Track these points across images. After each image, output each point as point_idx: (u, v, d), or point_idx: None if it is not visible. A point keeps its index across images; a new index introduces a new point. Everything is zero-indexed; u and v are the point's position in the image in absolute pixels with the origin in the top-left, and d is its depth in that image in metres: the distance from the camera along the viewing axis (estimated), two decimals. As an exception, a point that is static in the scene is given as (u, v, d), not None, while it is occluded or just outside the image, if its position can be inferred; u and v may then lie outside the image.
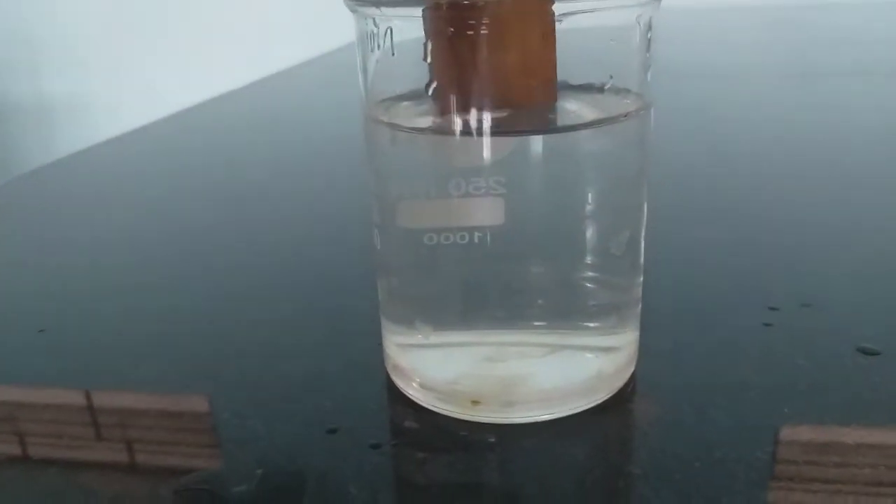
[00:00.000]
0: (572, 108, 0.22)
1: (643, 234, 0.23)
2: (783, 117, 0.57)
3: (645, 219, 0.23)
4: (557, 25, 0.19)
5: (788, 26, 0.99)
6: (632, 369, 0.24)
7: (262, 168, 0.51)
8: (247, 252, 0.36)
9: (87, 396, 0.25)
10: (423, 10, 0.19)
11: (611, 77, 0.21)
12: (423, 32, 0.20)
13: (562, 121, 0.22)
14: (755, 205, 0.39)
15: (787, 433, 0.21)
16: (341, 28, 1.05)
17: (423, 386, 0.23)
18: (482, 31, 0.19)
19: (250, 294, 0.31)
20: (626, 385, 0.23)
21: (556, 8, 0.19)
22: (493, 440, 0.21)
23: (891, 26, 0.98)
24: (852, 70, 0.72)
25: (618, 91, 0.22)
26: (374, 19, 0.20)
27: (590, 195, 0.21)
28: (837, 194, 0.40)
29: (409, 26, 0.20)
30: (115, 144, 0.58)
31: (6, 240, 0.41)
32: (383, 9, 0.20)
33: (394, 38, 0.20)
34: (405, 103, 0.22)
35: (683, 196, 0.40)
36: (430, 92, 0.20)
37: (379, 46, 0.21)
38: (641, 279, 0.24)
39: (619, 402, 0.23)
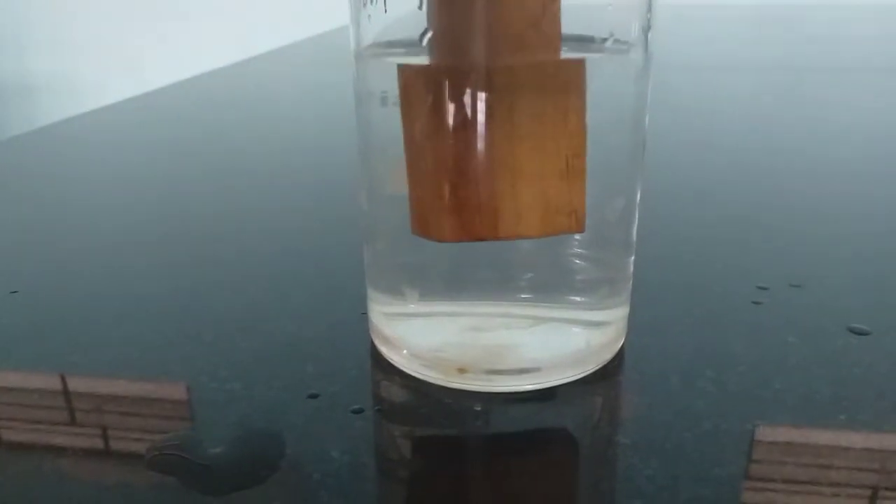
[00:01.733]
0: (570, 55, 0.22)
1: (637, 209, 0.22)
2: (773, 107, 0.57)
3: (639, 194, 0.22)
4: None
5: (776, 24, 0.99)
6: (620, 343, 0.23)
7: (247, 142, 0.51)
8: (230, 219, 0.35)
9: (62, 356, 0.24)
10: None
11: (612, 34, 0.20)
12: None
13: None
14: (746, 188, 0.38)
15: (775, 406, 0.20)
16: (330, 11, 1.04)
17: (408, 353, 0.22)
18: None
19: (233, 259, 0.31)
20: (615, 358, 0.23)
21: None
22: (478, 408, 0.21)
23: (878, 26, 0.99)
24: (837, 66, 0.73)
25: (618, 47, 0.21)
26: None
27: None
28: (827, 178, 0.40)
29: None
30: (98, 114, 0.57)
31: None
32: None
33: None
34: (398, 50, 0.22)
35: (676, 179, 0.39)
36: (423, 41, 0.19)
37: (372, 2, 0.20)
38: (633, 257, 0.23)
39: (607, 374, 0.22)
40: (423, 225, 0.20)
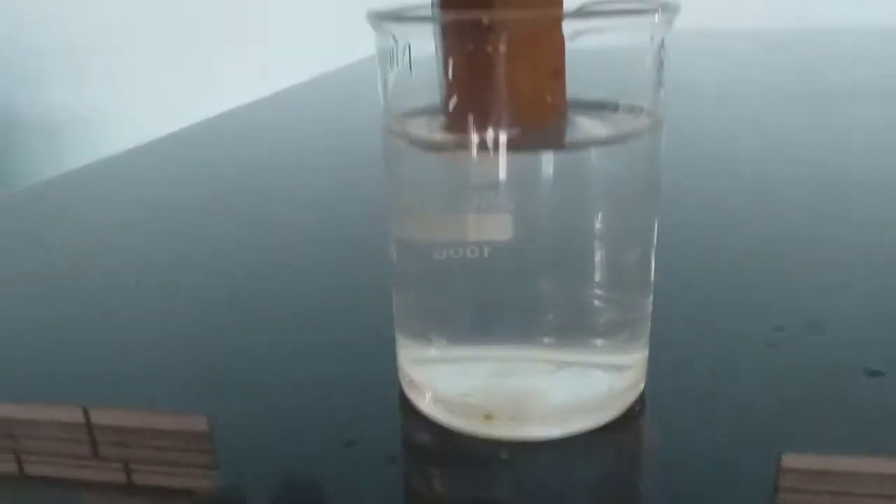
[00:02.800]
0: (584, 125, 0.23)
1: (653, 252, 0.23)
2: (789, 136, 0.58)
3: (655, 237, 0.23)
4: (570, 44, 0.20)
5: (787, 49, 1.00)
6: (641, 386, 0.24)
7: (273, 182, 0.52)
8: (262, 263, 0.36)
9: (86, 413, 0.25)
10: (440, 27, 0.20)
11: (624, 95, 0.21)
12: (440, 49, 0.20)
13: (574, 138, 0.22)
14: (761, 223, 0.39)
15: (793, 452, 0.21)
16: (342, 47, 1.06)
17: (435, 399, 0.23)
18: (499, 49, 0.19)
19: (265, 305, 0.32)
20: (636, 402, 0.23)
21: (570, 26, 0.19)
22: (505, 456, 0.21)
23: (887, 49, 0.99)
24: (853, 90, 0.73)
25: (631, 109, 0.22)
26: (393, 35, 0.20)
27: (600, 213, 0.22)
28: (844, 214, 0.40)
29: (428, 44, 0.21)
30: (121, 159, 0.59)
31: (18, 250, 0.41)
32: (403, 25, 0.20)
33: (412, 55, 0.21)
34: (422, 118, 0.23)
35: (691, 213, 0.40)
36: (444, 108, 0.21)
37: (398, 62, 0.21)
38: (651, 298, 0.24)
39: (629, 419, 0.23)
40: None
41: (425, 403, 0.23)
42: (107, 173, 0.56)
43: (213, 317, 0.31)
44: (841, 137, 0.57)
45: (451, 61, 0.20)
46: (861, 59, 0.93)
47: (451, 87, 0.20)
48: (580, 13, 0.19)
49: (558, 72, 0.21)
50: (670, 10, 0.19)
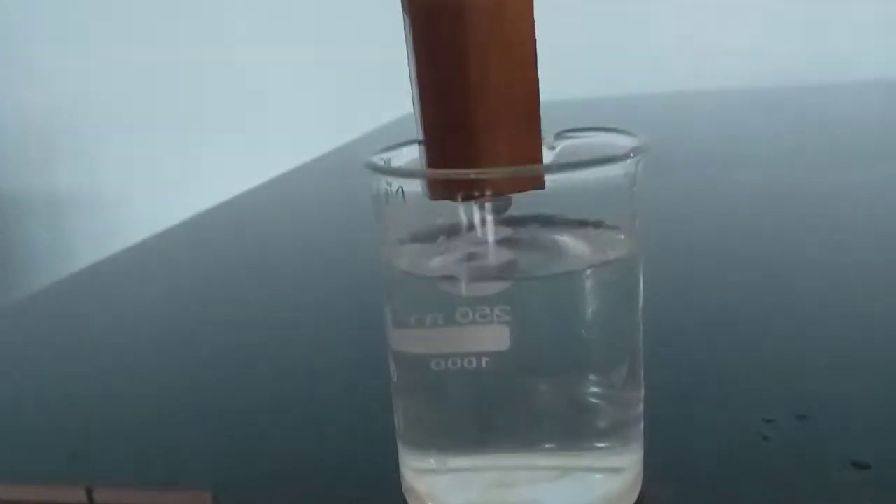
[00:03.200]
0: (570, 244, 0.24)
1: (641, 358, 0.24)
2: (778, 210, 0.59)
3: (641, 343, 0.24)
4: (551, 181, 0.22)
5: (785, 110, 1.02)
6: (638, 490, 0.25)
7: (284, 270, 0.53)
8: (264, 368, 0.38)
9: (89, 493, 0.26)
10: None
11: (603, 218, 0.23)
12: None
13: (561, 258, 0.24)
14: (747, 309, 0.40)
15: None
16: (343, 125, 1.08)
17: (438, 511, 0.24)
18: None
19: (266, 415, 0.33)
20: (634, 505, 0.24)
21: (550, 177, 0.21)
22: (507, 569, 0.22)
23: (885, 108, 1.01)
24: (841, 151, 0.74)
25: (612, 227, 0.24)
26: (387, 181, 0.22)
27: (589, 322, 0.23)
28: (833, 301, 0.41)
29: (419, 186, 0.22)
30: (130, 253, 0.61)
31: (33, 354, 0.42)
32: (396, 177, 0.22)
33: (405, 191, 0.22)
34: (416, 245, 0.24)
35: (678, 301, 0.41)
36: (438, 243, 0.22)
37: (392, 199, 0.23)
38: (642, 396, 0.25)
39: (627, 525, 0.24)
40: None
41: (428, 514, 0.24)
42: (105, 273, 0.58)
43: (214, 407, 0.32)
44: (837, 209, 0.58)
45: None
46: (860, 117, 0.94)
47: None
48: (559, 166, 0.21)
49: None
50: (641, 152, 0.21)
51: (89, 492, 0.25)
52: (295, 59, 1.36)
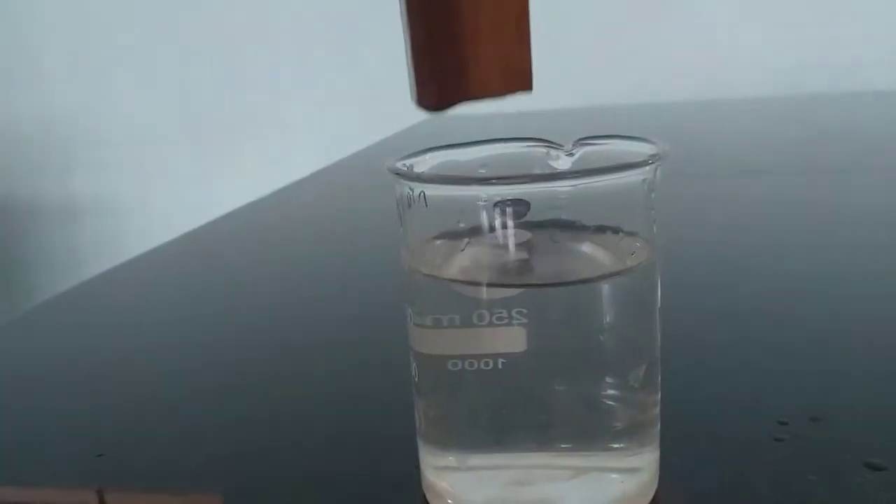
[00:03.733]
0: (588, 249, 0.25)
1: (659, 361, 0.25)
2: (792, 218, 0.59)
3: (659, 347, 0.25)
4: (569, 189, 0.22)
5: (795, 120, 1.02)
6: (654, 489, 0.25)
7: (300, 278, 0.54)
8: (283, 371, 0.38)
9: (100, 495, 0.26)
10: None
11: (621, 225, 0.24)
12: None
13: (579, 264, 0.24)
14: (762, 313, 0.40)
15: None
16: (359, 133, 1.09)
17: (457, 509, 0.24)
18: None
19: (288, 414, 0.33)
20: (650, 504, 0.25)
21: (569, 183, 0.22)
22: (526, 564, 0.23)
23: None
24: (860, 165, 0.75)
25: (630, 233, 0.24)
26: (409, 186, 0.23)
27: (606, 327, 0.23)
28: (846, 303, 0.42)
29: (441, 189, 0.23)
30: (140, 261, 0.61)
31: (60, 356, 0.43)
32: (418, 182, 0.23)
33: (427, 195, 0.23)
34: (437, 244, 0.25)
35: (692, 305, 0.41)
36: (462, 248, 0.23)
37: (414, 203, 0.23)
38: (659, 397, 0.25)
39: (643, 523, 0.24)
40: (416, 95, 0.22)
41: (448, 513, 0.25)
42: (129, 273, 0.59)
43: (233, 415, 0.33)
44: (845, 219, 0.59)
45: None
46: (869, 127, 0.94)
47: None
48: (578, 173, 0.22)
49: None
50: (659, 158, 0.22)
51: (100, 494, 0.26)
52: (311, 64, 1.38)
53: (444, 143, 0.25)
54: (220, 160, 1.44)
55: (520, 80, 0.22)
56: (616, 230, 0.24)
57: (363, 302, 0.47)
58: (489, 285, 0.22)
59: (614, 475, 0.25)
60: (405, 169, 0.23)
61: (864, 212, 0.59)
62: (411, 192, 0.23)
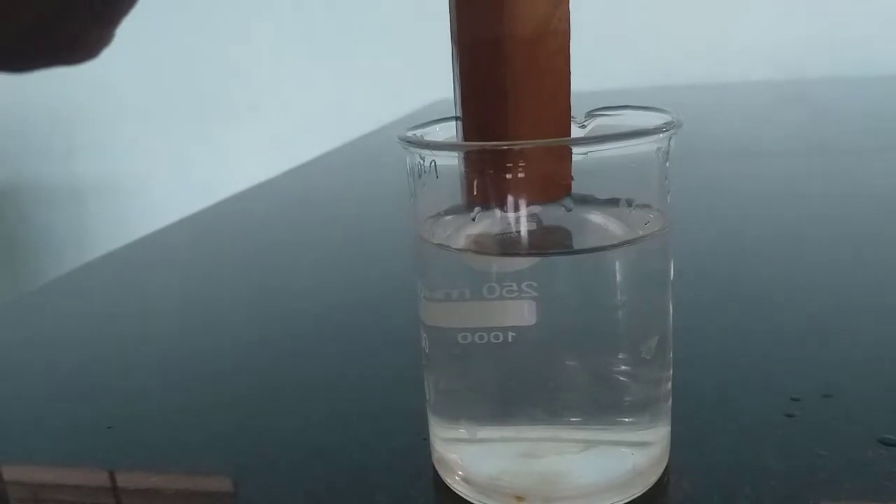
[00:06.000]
0: (600, 220, 0.24)
1: (671, 334, 0.25)
2: (802, 197, 0.59)
3: (671, 317, 0.25)
4: (584, 156, 0.22)
5: (805, 101, 1.01)
6: (665, 463, 0.25)
7: (306, 258, 0.54)
8: (293, 345, 0.38)
9: (112, 476, 0.26)
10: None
11: (634, 196, 0.23)
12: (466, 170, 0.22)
13: (590, 235, 0.24)
14: (775, 290, 0.40)
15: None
16: (363, 116, 1.09)
17: (467, 481, 0.24)
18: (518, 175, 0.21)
19: (296, 381, 0.33)
20: (661, 478, 0.25)
21: (582, 148, 0.21)
22: (537, 535, 0.23)
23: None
24: (871, 145, 0.74)
25: (642, 206, 0.24)
26: (420, 155, 0.22)
27: (618, 299, 0.23)
28: (859, 281, 0.41)
29: (452, 158, 0.23)
30: (149, 240, 0.61)
31: (66, 334, 0.43)
32: (429, 150, 0.22)
33: (437, 166, 0.23)
34: (448, 217, 0.25)
35: (705, 283, 0.41)
36: (473, 218, 0.22)
37: (425, 174, 0.23)
38: (671, 373, 0.25)
39: (655, 496, 0.24)
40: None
41: (456, 483, 0.25)
42: (137, 255, 0.59)
43: (242, 390, 0.33)
44: (857, 198, 0.58)
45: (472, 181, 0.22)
46: (879, 110, 0.94)
47: (471, 201, 0.23)
48: (592, 139, 0.21)
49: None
50: (674, 127, 0.21)
51: (112, 475, 0.26)
52: (317, 45, 1.37)
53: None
54: (225, 141, 1.44)
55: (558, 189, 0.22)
56: (629, 201, 0.23)
57: (374, 279, 0.47)
58: (500, 256, 0.22)
59: (625, 449, 0.24)
60: (416, 138, 0.23)
61: (875, 191, 0.59)
62: (422, 162, 0.22)
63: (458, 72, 0.23)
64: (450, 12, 0.22)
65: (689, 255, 0.44)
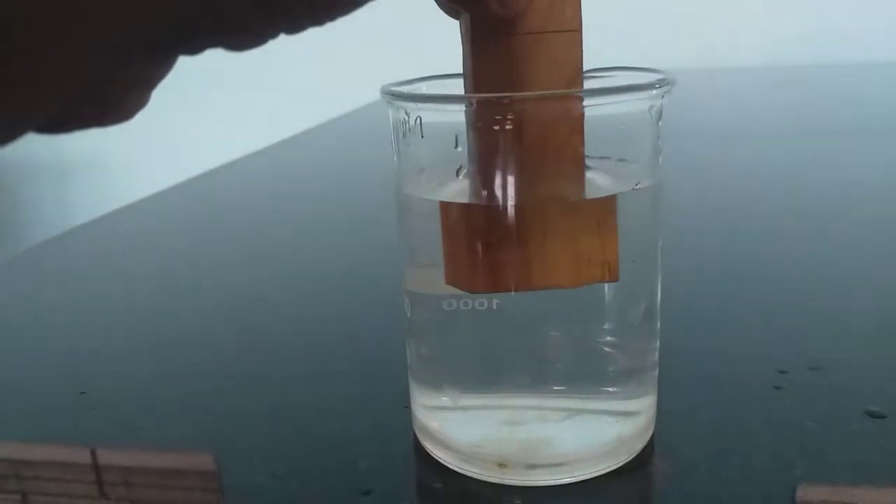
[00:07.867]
0: (588, 177, 0.24)
1: (658, 303, 0.24)
2: (790, 178, 0.59)
3: (659, 290, 0.24)
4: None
5: (794, 86, 1.01)
6: (650, 432, 0.25)
7: (287, 230, 0.53)
8: (274, 314, 0.37)
9: (93, 453, 0.26)
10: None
11: (624, 154, 0.23)
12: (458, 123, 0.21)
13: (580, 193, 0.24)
14: (763, 266, 0.40)
15: (799, 495, 0.22)
16: (353, 93, 1.08)
17: (448, 448, 0.24)
18: (507, 127, 0.21)
19: (280, 354, 0.33)
20: (646, 447, 0.24)
21: (576, 97, 0.21)
22: (519, 502, 0.22)
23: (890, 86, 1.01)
24: (857, 129, 0.74)
25: (634, 162, 0.23)
26: (405, 109, 0.22)
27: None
28: (845, 256, 0.41)
29: (436, 115, 0.22)
30: (132, 210, 0.60)
31: (38, 304, 0.42)
32: (414, 102, 0.21)
33: (423, 124, 0.22)
34: (432, 175, 0.24)
35: (694, 258, 0.41)
36: (459, 175, 0.22)
37: (409, 130, 0.22)
38: (658, 344, 0.25)
39: (640, 464, 0.24)
40: (455, 277, 0.22)
41: (439, 451, 0.24)
42: (118, 224, 0.58)
43: (225, 365, 0.32)
44: (843, 177, 0.58)
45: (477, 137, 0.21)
46: (866, 96, 0.94)
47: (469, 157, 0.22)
48: (587, 91, 0.21)
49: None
50: (666, 84, 0.21)
51: (93, 452, 0.25)
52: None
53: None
54: (209, 116, 1.42)
55: (599, 270, 0.22)
56: (622, 159, 0.23)
57: (358, 248, 0.47)
58: (489, 203, 0.21)
59: (609, 418, 0.24)
60: (400, 91, 0.22)
61: (863, 171, 0.59)
62: (407, 119, 0.22)
63: (474, 144, 0.22)
64: None
65: (678, 231, 0.43)
